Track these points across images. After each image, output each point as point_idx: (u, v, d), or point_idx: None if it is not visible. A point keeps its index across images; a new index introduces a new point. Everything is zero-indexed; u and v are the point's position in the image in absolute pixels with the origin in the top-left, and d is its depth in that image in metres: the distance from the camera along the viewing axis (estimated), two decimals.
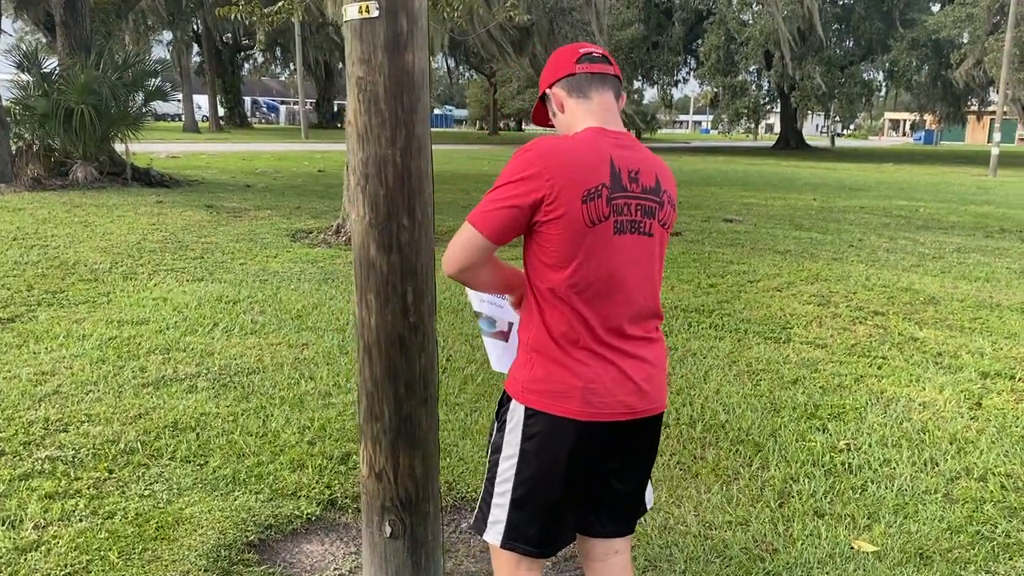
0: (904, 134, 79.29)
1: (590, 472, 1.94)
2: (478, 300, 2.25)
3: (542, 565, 2.05)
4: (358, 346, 2.38)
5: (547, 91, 2.01)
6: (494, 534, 1.97)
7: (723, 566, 2.85)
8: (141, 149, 16.30)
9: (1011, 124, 52.51)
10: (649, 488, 2.13)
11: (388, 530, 2.46)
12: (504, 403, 1.98)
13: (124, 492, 3.20)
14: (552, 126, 2.10)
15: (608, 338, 1.86)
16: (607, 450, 1.93)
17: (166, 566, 2.71)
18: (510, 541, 1.96)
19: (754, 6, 36.53)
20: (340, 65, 46.05)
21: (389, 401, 2.38)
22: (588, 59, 1.96)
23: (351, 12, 2.18)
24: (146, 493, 3.20)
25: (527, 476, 1.91)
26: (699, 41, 40.31)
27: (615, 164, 1.85)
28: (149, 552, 2.78)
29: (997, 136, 26.02)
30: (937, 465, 3.70)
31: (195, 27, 42.22)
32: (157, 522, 2.97)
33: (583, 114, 1.95)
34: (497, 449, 1.97)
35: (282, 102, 70.93)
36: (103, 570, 2.68)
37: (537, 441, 1.89)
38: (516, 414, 1.92)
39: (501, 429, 1.96)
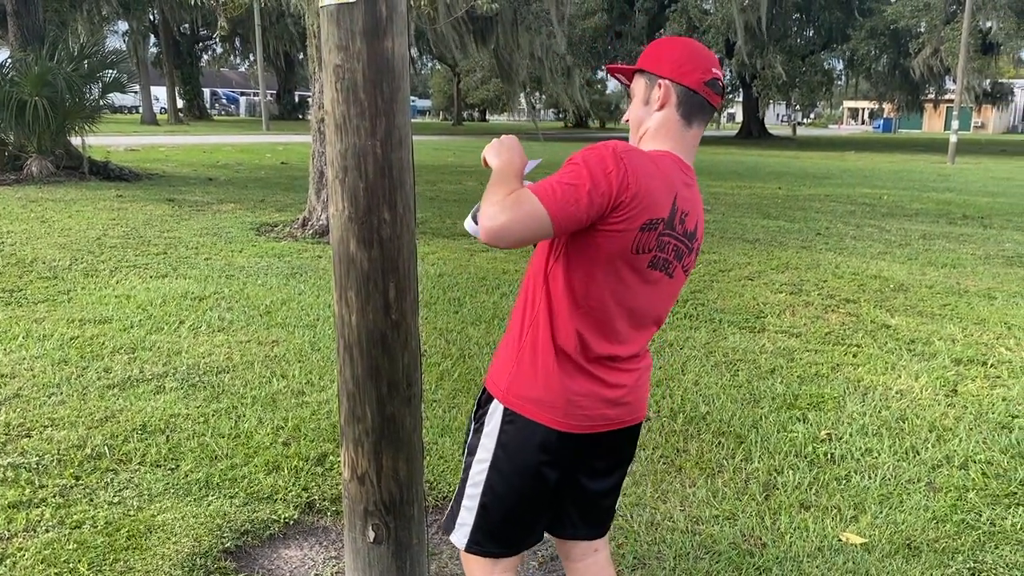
0: (863, 122, 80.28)
1: (564, 479, 1.89)
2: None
3: (516, 564, 1.99)
4: (338, 345, 2.29)
5: (659, 78, 1.84)
6: (459, 536, 1.93)
7: (712, 562, 2.81)
8: (98, 142, 15.92)
9: (967, 112, 53.46)
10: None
11: (372, 535, 2.38)
12: (483, 404, 1.91)
13: (92, 500, 3.07)
14: (626, 85, 1.96)
15: (603, 359, 1.80)
16: (583, 458, 1.88)
17: None
18: (474, 544, 1.92)
19: None
20: (301, 56, 45.50)
21: (371, 402, 2.29)
22: (714, 87, 1.83)
23: None
24: (115, 500, 3.08)
25: (497, 481, 1.85)
26: (662, 30, 40.37)
27: (676, 203, 1.76)
28: (121, 563, 2.67)
29: (955, 124, 26.41)
30: (918, 454, 3.70)
31: (151, 17, 41.40)
32: (128, 531, 2.85)
33: (673, 135, 1.83)
34: (472, 451, 1.91)
35: (242, 93, 69.97)
36: None
37: (512, 448, 1.83)
38: (495, 416, 1.85)
39: (478, 431, 1.90)
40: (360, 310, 2.23)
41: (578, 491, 1.94)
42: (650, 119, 1.86)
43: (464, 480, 1.91)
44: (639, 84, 1.89)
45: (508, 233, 1.62)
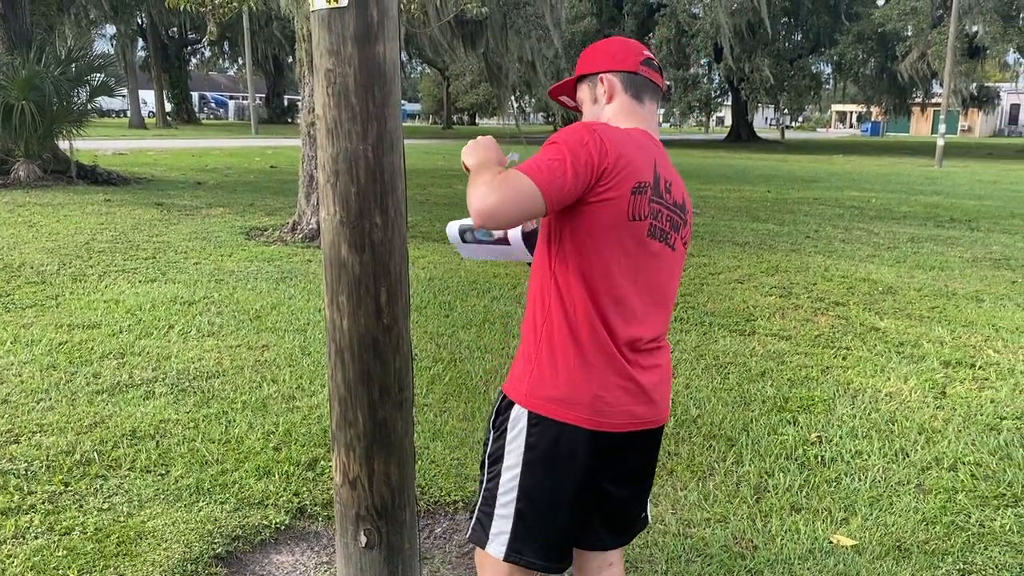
0: (851, 126, 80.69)
1: (591, 481, 1.87)
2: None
3: None
4: (329, 350, 2.29)
5: (598, 74, 1.91)
6: (497, 546, 1.88)
7: (704, 565, 2.82)
8: (86, 146, 15.86)
9: (954, 116, 53.80)
10: (648, 503, 2.07)
11: (363, 540, 2.37)
12: (503, 411, 1.87)
13: (82, 506, 3.06)
14: (573, 108, 2.03)
15: (625, 343, 1.79)
16: (611, 460, 1.86)
17: None
18: (514, 553, 1.87)
19: None
20: (290, 59, 45.40)
21: (363, 406, 2.29)
22: (649, 65, 1.93)
23: (319, 2, 2.09)
24: (105, 506, 3.06)
25: (531, 485, 1.82)
26: (650, 34, 40.50)
27: (657, 170, 1.80)
28: (111, 569, 2.65)
29: (942, 127, 26.57)
30: (908, 456, 3.72)
31: (140, 21, 41.25)
32: (118, 537, 2.84)
33: (631, 115, 1.89)
34: (498, 459, 1.87)
35: (231, 97, 69.79)
36: None
37: (542, 450, 1.80)
38: (519, 421, 1.82)
39: (500, 437, 1.86)
40: (351, 314, 2.23)
41: (603, 497, 1.92)
42: (605, 112, 1.91)
43: (493, 489, 1.87)
44: (583, 91, 1.97)
45: (500, 212, 1.62)
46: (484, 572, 1.96)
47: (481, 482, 1.94)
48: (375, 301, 2.23)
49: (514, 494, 1.84)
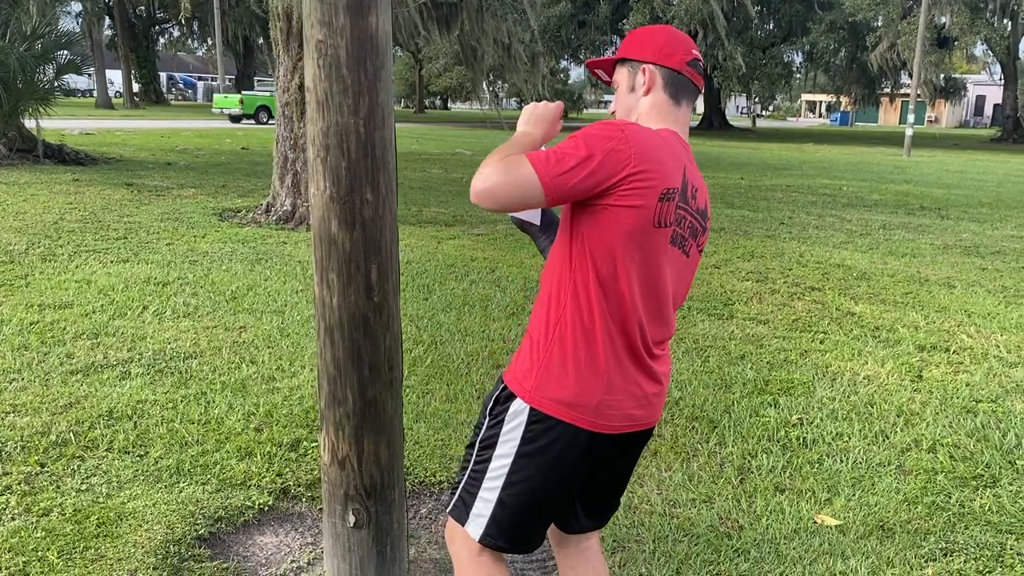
0: (820, 115, 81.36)
1: (582, 478, 1.88)
2: None
3: (505, 560, 1.97)
4: (318, 328, 2.25)
5: (642, 63, 1.85)
6: (475, 527, 1.87)
7: (691, 544, 2.82)
8: (52, 125, 15.53)
9: (922, 106, 54.45)
10: None
11: (352, 519, 2.35)
12: (503, 401, 1.83)
13: (59, 487, 3.00)
14: (606, 82, 1.98)
15: (636, 349, 1.77)
16: (605, 459, 1.86)
17: (111, 565, 2.53)
18: (488, 537, 1.87)
19: None
20: (260, 40, 44.76)
21: (353, 385, 2.26)
22: (695, 66, 1.86)
23: None
24: (83, 487, 3.00)
25: (519, 479, 1.81)
26: (625, 20, 40.47)
27: (686, 176, 1.75)
28: (92, 551, 2.60)
29: (911, 118, 26.88)
30: (888, 438, 3.76)
31: None
32: (98, 518, 2.78)
33: (665, 115, 1.83)
34: (490, 445, 1.84)
35: (199, 78, 68.75)
36: (42, 571, 2.49)
37: (539, 446, 1.78)
38: (519, 415, 1.79)
39: (496, 425, 1.83)
40: (342, 292, 2.20)
41: (591, 488, 1.94)
42: (639, 104, 1.86)
43: (481, 472, 1.86)
44: (622, 74, 1.90)
45: (496, 196, 1.63)
46: (454, 545, 1.96)
47: (468, 461, 1.91)
48: (366, 279, 2.20)
49: (500, 482, 1.83)
